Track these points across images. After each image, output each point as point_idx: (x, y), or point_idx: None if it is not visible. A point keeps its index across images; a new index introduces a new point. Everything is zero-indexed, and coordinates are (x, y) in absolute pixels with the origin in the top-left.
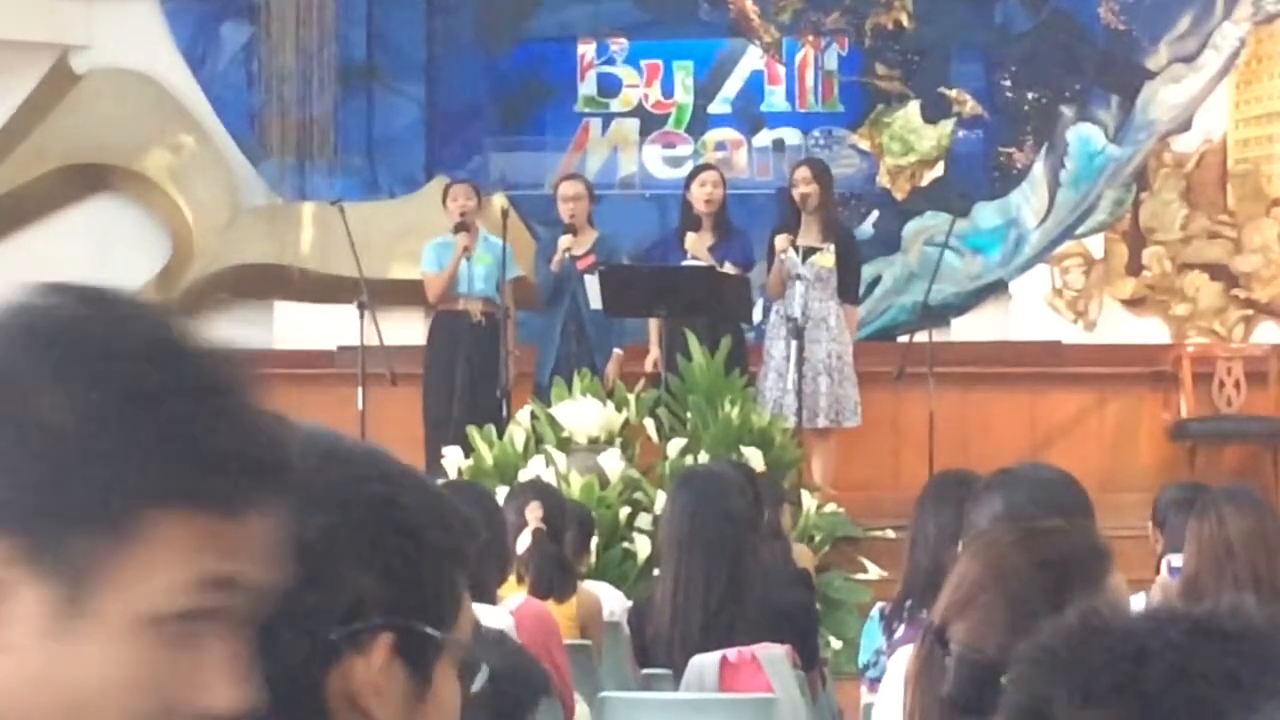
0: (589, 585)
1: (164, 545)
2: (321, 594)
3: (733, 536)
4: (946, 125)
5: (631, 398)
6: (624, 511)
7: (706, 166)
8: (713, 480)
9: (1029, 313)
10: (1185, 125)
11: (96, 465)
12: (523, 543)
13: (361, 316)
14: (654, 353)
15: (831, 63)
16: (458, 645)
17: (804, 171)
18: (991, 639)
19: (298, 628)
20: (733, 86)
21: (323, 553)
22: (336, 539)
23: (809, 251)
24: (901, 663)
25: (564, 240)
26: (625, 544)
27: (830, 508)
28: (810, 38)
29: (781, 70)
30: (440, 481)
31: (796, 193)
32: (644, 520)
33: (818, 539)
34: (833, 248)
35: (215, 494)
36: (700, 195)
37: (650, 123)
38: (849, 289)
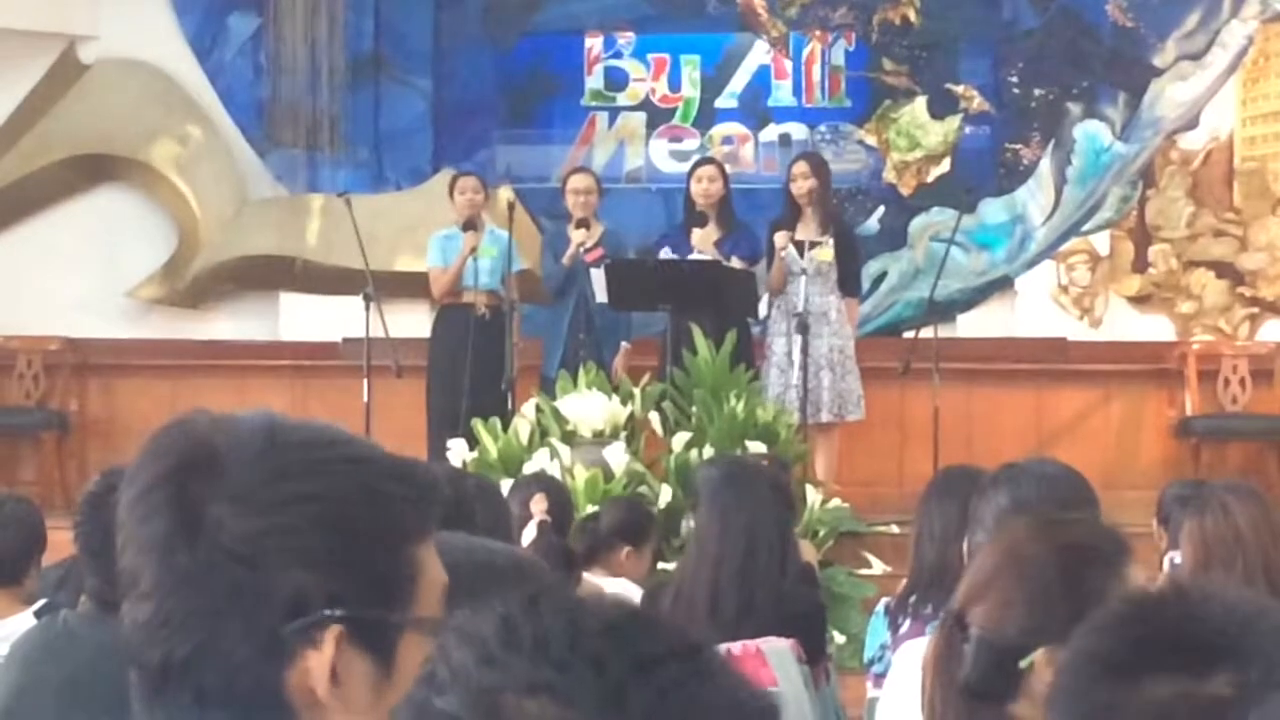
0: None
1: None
2: (259, 592)
3: (751, 531)
4: (953, 121)
5: (637, 391)
6: None
7: (704, 161)
8: (742, 473)
9: (1034, 309)
10: (1192, 123)
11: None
12: (527, 535)
13: (367, 308)
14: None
15: (838, 58)
16: (419, 621)
17: (802, 166)
18: (1011, 622)
19: (243, 626)
20: (740, 81)
21: (255, 553)
22: (267, 539)
23: (808, 246)
24: (907, 657)
25: (578, 235)
26: None
27: (834, 503)
28: (817, 33)
29: (788, 65)
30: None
31: (795, 187)
32: None
33: (821, 534)
34: (831, 241)
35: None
36: (698, 190)
37: (657, 116)
38: (849, 282)
